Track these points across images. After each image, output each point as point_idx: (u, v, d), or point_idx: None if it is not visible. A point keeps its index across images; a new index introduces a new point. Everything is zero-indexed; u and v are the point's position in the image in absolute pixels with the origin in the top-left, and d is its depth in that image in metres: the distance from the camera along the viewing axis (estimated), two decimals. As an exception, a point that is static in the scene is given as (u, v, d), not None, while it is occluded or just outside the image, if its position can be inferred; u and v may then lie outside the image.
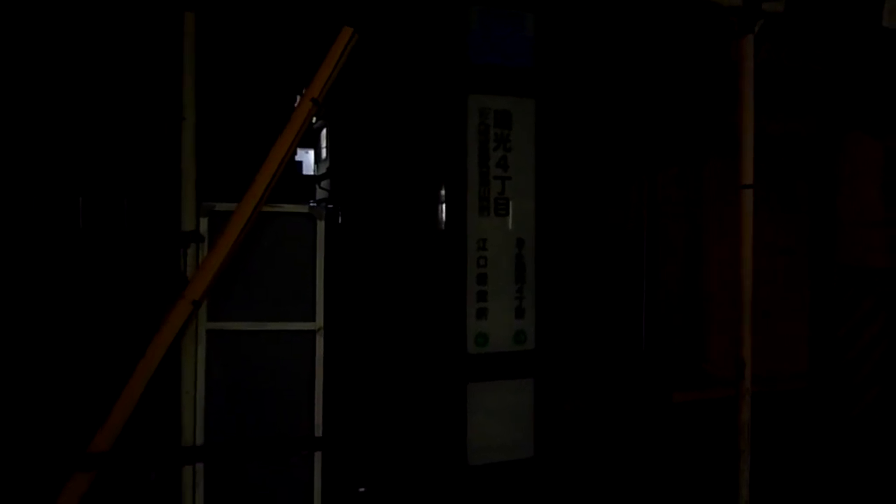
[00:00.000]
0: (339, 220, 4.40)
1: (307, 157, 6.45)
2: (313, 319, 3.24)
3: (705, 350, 4.66)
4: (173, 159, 3.13)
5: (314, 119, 3.43)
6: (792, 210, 4.72)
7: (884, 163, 3.98)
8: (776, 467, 4.19)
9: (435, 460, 3.63)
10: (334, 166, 5.22)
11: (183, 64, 3.10)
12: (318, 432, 3.25)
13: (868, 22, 3.58)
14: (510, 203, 3.66)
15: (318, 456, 3.26)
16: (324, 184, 5.36)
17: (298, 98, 3.34)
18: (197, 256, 3.14)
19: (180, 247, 3.13)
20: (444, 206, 3.64)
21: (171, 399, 3.16)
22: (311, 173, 6.27)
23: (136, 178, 3.42)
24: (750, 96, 3.48)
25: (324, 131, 5.93)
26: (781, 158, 4.63)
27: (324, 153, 5.91)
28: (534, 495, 3.67)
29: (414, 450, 3.72)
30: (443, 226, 3.64)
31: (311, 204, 3.54)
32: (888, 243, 3.89)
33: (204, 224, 3.15)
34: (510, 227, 3.67)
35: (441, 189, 3.65)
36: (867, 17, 3.58)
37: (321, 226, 3.24)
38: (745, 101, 3.50)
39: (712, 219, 4.49)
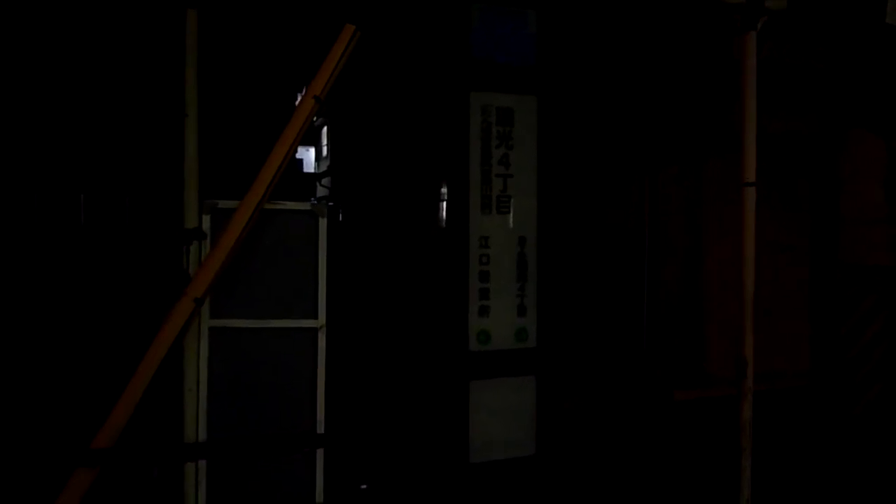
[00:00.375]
0: (340, 218, 4.40)
1: (308, 155, 6.44)
2: (315, 317, 3.25)
3: (705, 349, 4.66)
4: (176, 156, 3.13)
5: (315, 116, 3.44)
6: (794, 208, 4.71)
7: (886, 160, 3.97)
8: (778, 465, 4.19)
9: (437, 458, 3.64)
10: (335, 164, 5.22)
11: (185, 61, 3.10)
12: (321, 429, 3.25)
13: (871, 19, 3.57)
14: (512, 201, 3.66)
15: (320, 453, 3.27)
16: (325, 181, 5.36)
17: (300, 96, 3.34)
18: (199, 254, 3.14)
19: (183, 244, 3.13)
20: (445, 203, 3.64)
21: (174, 396, 3.16)
22: (312, 171, 6.26)
23: (139, 175, 3.42)
24: (752, 94, 3.48)
25: (325, 129, 5.92)
26: (783, 156, 4.62)
27: (325, 151, 5.91)
28: (535, 493, 3.67)
29: (416, 447, 3.72)
30: (444, 223, 3.64)
31: (313, 201, 3.54)
32: (890, 241, 3.88)
33: (206, 221, 3.15)
34: (512, 224, 3.67)
35: (443, 186, 3.65)
36: (870, 13, 3.58)
37: (323, 223, 3.24)
38: (748, 98, 3.50)
39: (713, 218, 4.49)
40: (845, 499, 3.99)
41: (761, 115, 3.55)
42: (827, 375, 4.00)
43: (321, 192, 5.35)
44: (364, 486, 3.49)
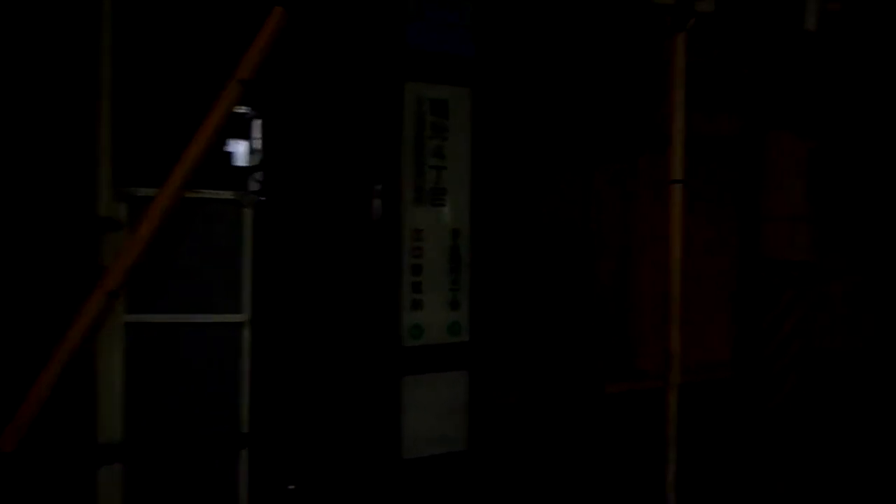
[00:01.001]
0: (271, 212, 4.27)
1: (238, 148, 6.24)
2: (240, 311, 3.12)
3: (637, 343, 4.75)
4: (90, 142, 2.95)
5: (247, 109, 3.34)
6: (722, 207, 4.86)
7: (806, 161, 4.15)
8: (702, 454, 4.32)
9: (369, 454, 3.57)
10: (266, 156, 5.06)
11: (100, 41, 2.94)
12: (245, 429, 3.14)
13: (791, 25, 3.73)
14: (446, 193, 3.63)
15: (244, 453, 3.15)
16: (256, 175, 5.20)
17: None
18: (115, 244, 2.97)
19: (97, 234, 2.95)
20: (378, 195, 3.57)
21: (88, 396, 2.98)
22: (243, 164, 6.08)
23: (49, 161, 3.20)
24: (681, 93, 3.58)
25: (256, 121, 5.75)
26: (713, 157, 4.76)
27: (256, 143, 5.74)
28: (467, 488, 3.66)
29: (347, 444, 3.65)
30: (377, 216, 3.58)
31: (240, 192, 3.41)
32: (809, 238, 4.06)
33: (123, 210, 2.99)
34: (446, 217, 3.63)
35: (376, 178, 3.58)
36: (790, 20, 3.73)
37: (248, 213, 3.13)
38: (676, 98, 3.60)
39: (644, 215, 4.57)
40: (761, 489, 4.15)
41: (692, 116, 3.65)
42: (747, 368, 4.15)
43: (253, 186, 5.18)
44: (292, 487, 3.39)
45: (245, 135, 5.79)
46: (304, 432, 3.48)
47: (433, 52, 3.57)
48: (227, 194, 3.15)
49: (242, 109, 3.77)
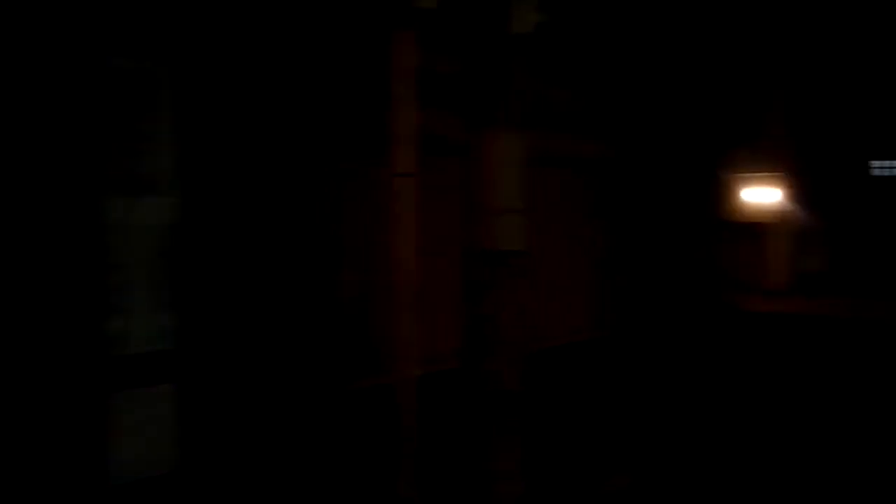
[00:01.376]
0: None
1: None
2: None
3: (382, 337, 4.79)
4: None
5: None
6: (451, 201, 5.09)
7: (519, 158, 4.52)
8: (439, 441, 4.46)
9: (66, 485, 3.08)
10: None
11: None
12: None
13: (500, 28, 4.02)
14: (157, 186, 3.26)
15: None
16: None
17: None
18: None
19: None
20: (79, 187, 3.10)
21: None
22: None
23: None
24: (406, 89, 3.65)
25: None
26: (442, 153, 4.97)
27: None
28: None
29: (39, 476, 3.11)
30: (79, 211, 3.11)
31: None
32: (521, 229, 4.43)
33: None
34: (156, 213, 3.27)
35: (77, 167, 3.11)
36: (499, 23, 4.02)
37: None
38: (399, 93, 3.67)
39: (383, 210, 4.62)
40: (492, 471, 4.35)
41: (425, 114, 3.73)
42: (473, 357, 4.41)
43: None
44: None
45: None
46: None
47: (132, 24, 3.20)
48: None
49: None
